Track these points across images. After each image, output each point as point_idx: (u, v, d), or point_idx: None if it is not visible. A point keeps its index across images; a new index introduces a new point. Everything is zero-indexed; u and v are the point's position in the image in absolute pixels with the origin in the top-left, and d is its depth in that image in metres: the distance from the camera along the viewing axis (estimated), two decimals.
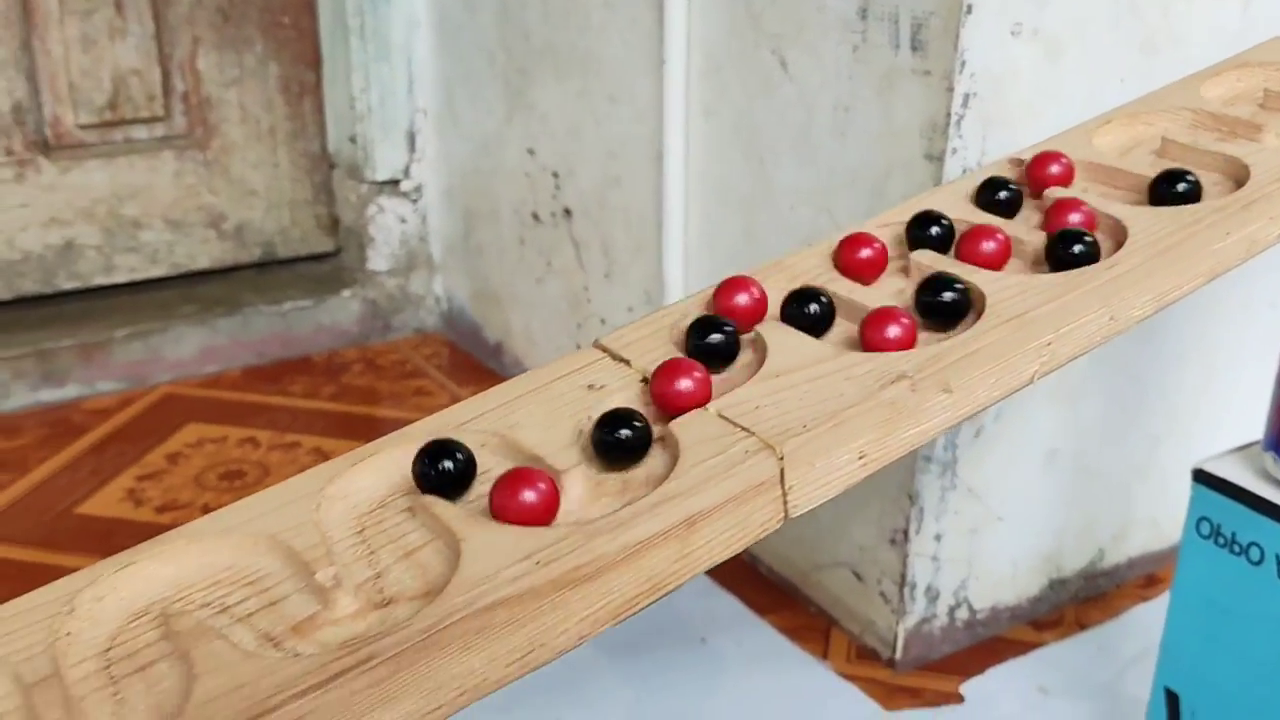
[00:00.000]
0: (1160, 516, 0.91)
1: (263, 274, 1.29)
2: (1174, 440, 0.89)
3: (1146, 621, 0.87)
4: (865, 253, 0.44)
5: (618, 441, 0.35)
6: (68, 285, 1.20)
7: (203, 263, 1.26)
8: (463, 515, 0.34)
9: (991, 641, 0.85)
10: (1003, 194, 0.47)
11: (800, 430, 0.35)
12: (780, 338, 0.40)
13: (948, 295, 0.40)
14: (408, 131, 1.24)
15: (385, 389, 1.19)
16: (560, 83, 1.03)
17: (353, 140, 1.24)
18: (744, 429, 0.36)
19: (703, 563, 0.34)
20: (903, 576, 0.80)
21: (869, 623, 0.83)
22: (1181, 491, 0.91)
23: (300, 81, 1.25)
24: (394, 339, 1.30)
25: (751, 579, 0.91)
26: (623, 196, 0.98)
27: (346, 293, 1.27)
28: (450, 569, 0.32)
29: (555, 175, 1.06)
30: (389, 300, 1.29)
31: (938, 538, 0.80)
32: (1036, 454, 0.82)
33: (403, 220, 1.27)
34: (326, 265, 1.32)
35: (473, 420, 0.37)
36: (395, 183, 1.26)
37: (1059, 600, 0.88)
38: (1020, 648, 0.84)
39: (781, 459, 0.35)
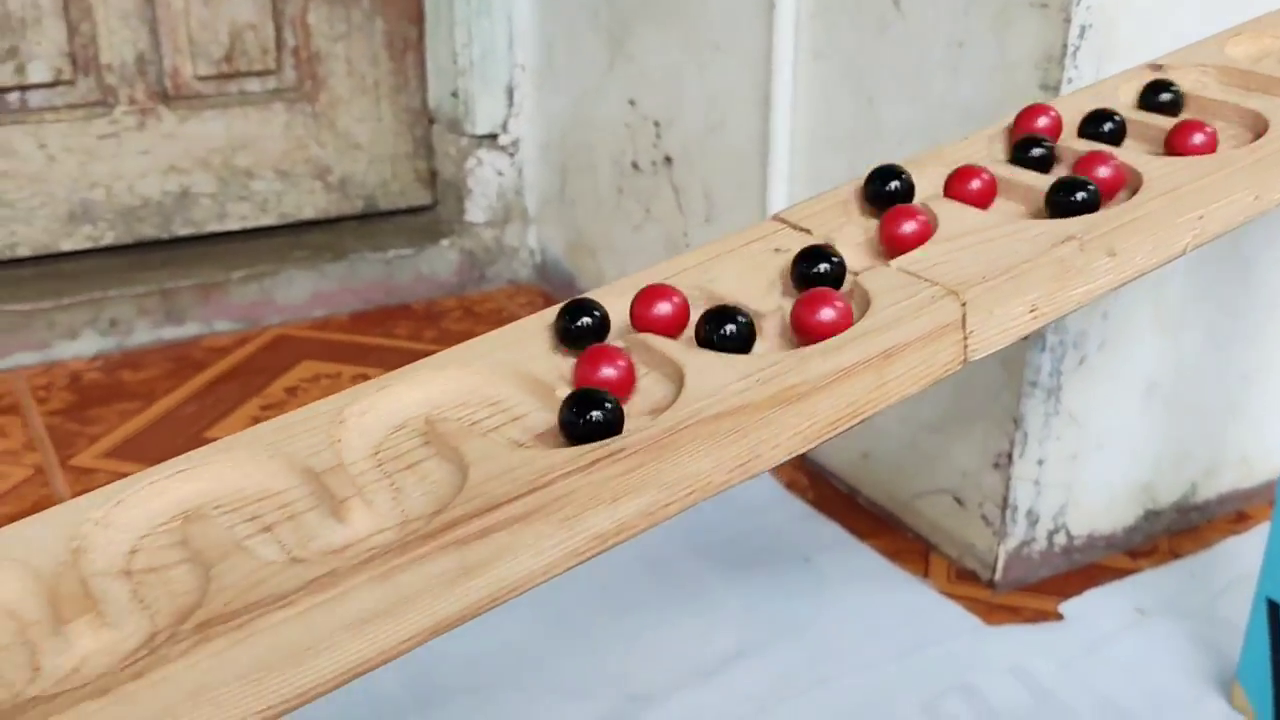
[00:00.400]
0: (1252, 455, 0.94)
1: (364, 225, 1.34)
2: (1269, 380, 0.91)
3: (1240, 552, 0.89)
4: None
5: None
6: (183, 231, 1.25)
7: (308, 213, 1.31)
8: (681, 347, 0.37)
9: (1088, 567, 0.88)
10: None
11: (979, 281, 0.39)
12: (951, 209, 0.43)
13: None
14: (507, 86, 1.28)
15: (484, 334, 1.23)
16: (663, 33, 1.07)
17: (454, 95, 1.28)
18: (927, 280, 0.39)
19: (894, 394, 0.37)
20: (1004, 499, 0.83)
21: (968, 546, 0.87)
22: (1275, 430, 0.94)
23: (404, 37, 1.29)
24: (489, 289, 1.34)
25: (851, 509, 0.95)
26: (726, 141, 1.02)
27: (445, 242, 1.31)
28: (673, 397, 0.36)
29: (656, 124, 1.10)
30: (485, 251, 1.33)
31: (1040, 462, 0.82)
32: (1137, 385, 0.85)
33: (500, 173, 1.31)
34: (424, 218, 1.37)
35: (674, 276, 0.41)
36: (494, 137, 1.30)
37: (1153, 530, 0.91)
38: (1116, 573, 0.87)
39: (964, 304, 0.38)
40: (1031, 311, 0.39)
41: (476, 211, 1.32)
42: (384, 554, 0.30)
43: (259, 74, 1.24)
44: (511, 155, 1.31)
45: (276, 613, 0.29)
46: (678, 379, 0.36)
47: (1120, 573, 0.87)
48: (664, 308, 0.38)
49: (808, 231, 0.43)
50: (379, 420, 0.36)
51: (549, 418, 0.36)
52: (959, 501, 0.87)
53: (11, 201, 1.16)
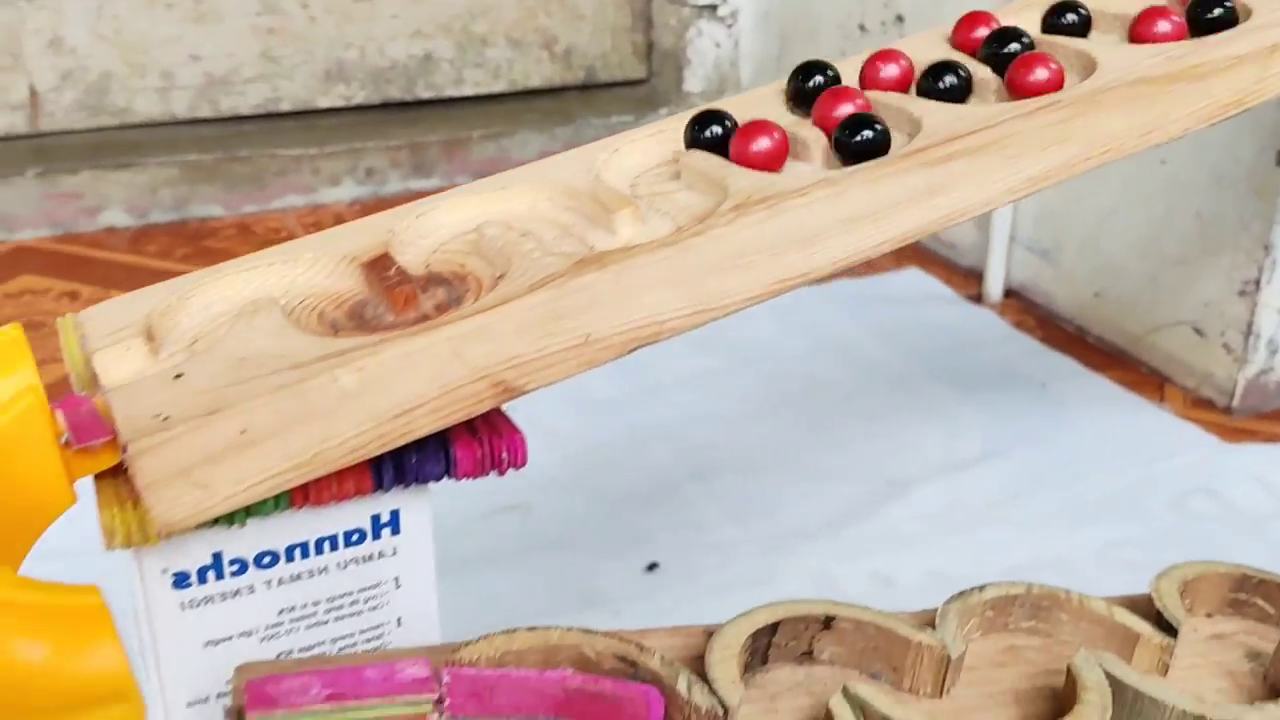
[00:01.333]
0: None
1: (584, 95, 1.41)
2: None
3: None
4: None
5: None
6: (425, 94, 1.33)
7: (535, 81, 1.38)
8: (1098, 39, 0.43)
9: None
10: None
11: None
12: None
13: None
14: None
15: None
16: None
17: None
18: None
19: (1271, 90, 0.42)
20: (1249, 326, 0.86)
21: (1207, 376, 0.90)
22: None
23: None
24: None
25: (1081, 346, 0.98)
26: None
27: (663, 111, 1.37)
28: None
29: None
30: None
31: None
32: None
33: (717, 45, 1.37)
34: (640, 90, 1.43)
35: None
36: (713, 8, 1.35)
37: None
38: None
39: None
40: None
41: (694, 82, 1.38)
42: (875, 166, 0.36)
43: None
44: (729, 26, 1.36)
45: (794, 200, 0.36)
46: (1090, 64, 0.41)
47: None
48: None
49: None
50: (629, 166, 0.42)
51: None
52: (1198, 332, 0.90)
53: (277, 58, 1.26)
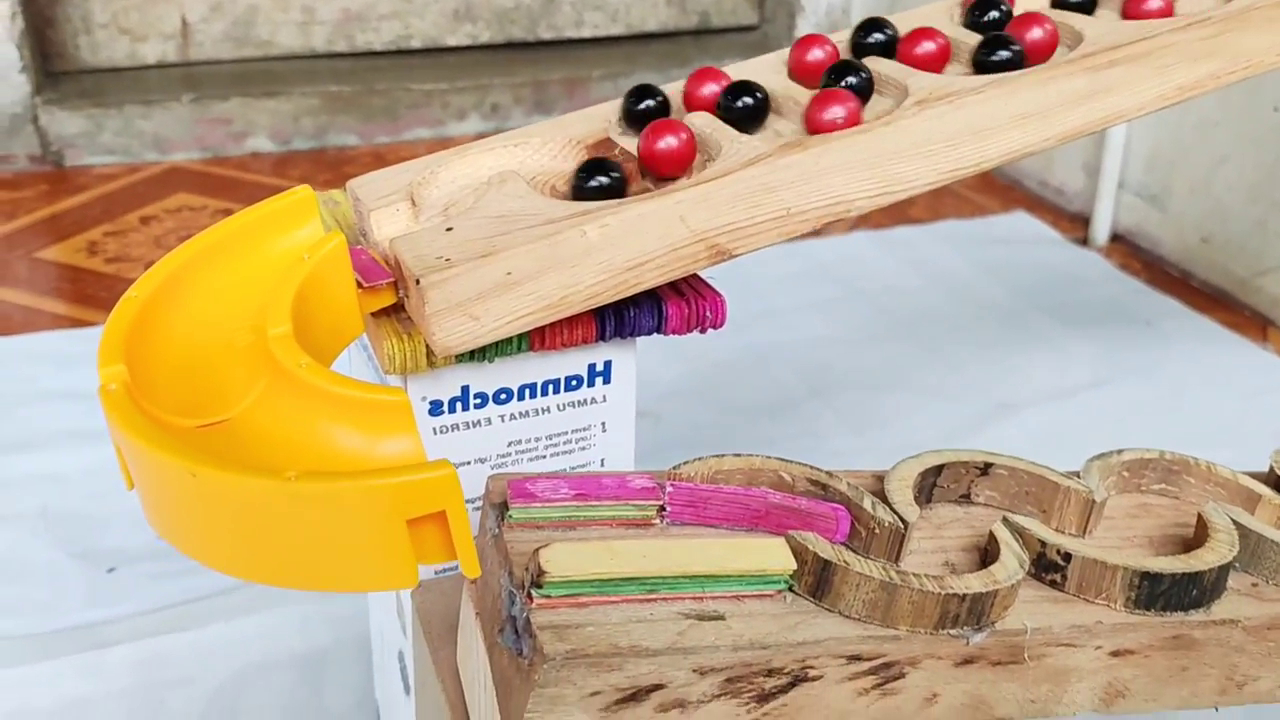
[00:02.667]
0: None
1: (698, 40, 1.45)
2: None
3: None
4: None
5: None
6: (546, 35, 1.38)
7: (651, 25, 1.43)
8: None
9: None
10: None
11: None
12: None
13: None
14: None
15: None
16: None
17: None
18: None
19: None
20: None
21: None
22: None
23: None
24: None
25: (1186, 288, 1.02)
26: None
27: None
28: None
29: None
30: None
31: None
32: None
33: None
34: (752, 35, 1.47)
35: None
36: None
37: None
38: None
39: None
40: None
41: (805, 27, 1.41)
42: (1044, 69, 0.41)
43: None
44: None
45: (971, 96, 0.40)
46: None
47: None
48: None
49: None
50: None
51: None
52: None
53: None
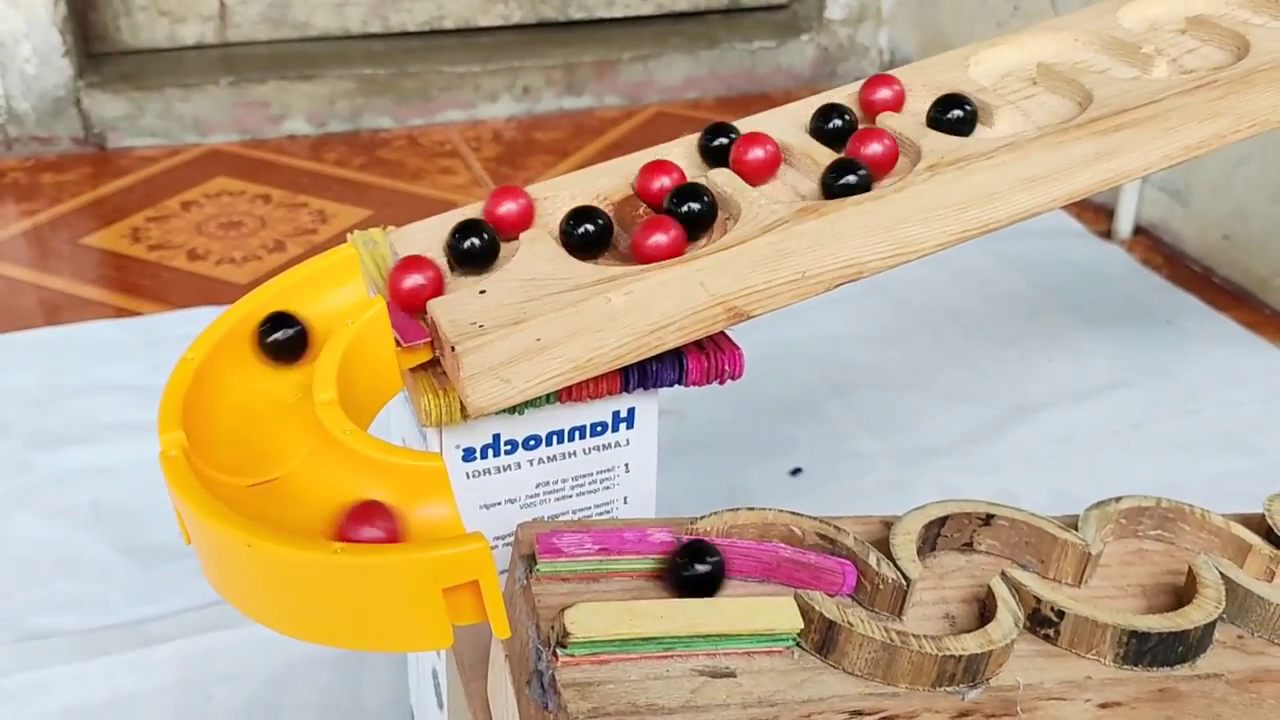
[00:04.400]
0: None
1: (728, 19, 1.46)
2: None
3: None
4: None
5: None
6: (577, 15, 1.39)
7: (681, 5, 1.43)
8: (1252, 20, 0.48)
9: None
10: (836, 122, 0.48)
11: None
12: None
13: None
14: None
15: None
16: None
17: None
18: None
19: None
20: None
21: None
22: None
23: None
24: (839, 85, 1.44)
25: (1206, 285, 1.03)
26: None
27: (804, 37, 1.41)
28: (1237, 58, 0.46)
29: None
30: (839, 48, 1.43)
31: None
32: None
33: None
34: (781, 15, 1.47)
35: None
36: None
37: None
38: None
39: None
40: None
41: (835, 9, 1.42)
42: (1055, 133, 0.43)
43: None
44: None
45: (982, 162, 0.42)
46: (1243, 46, 0.47)
47: None
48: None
49: None
50: (991, 68, 0.48)
51: (1131, 70, 0.47)
52: None
53: None
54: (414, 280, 0.40)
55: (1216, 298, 1.01)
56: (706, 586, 0.37)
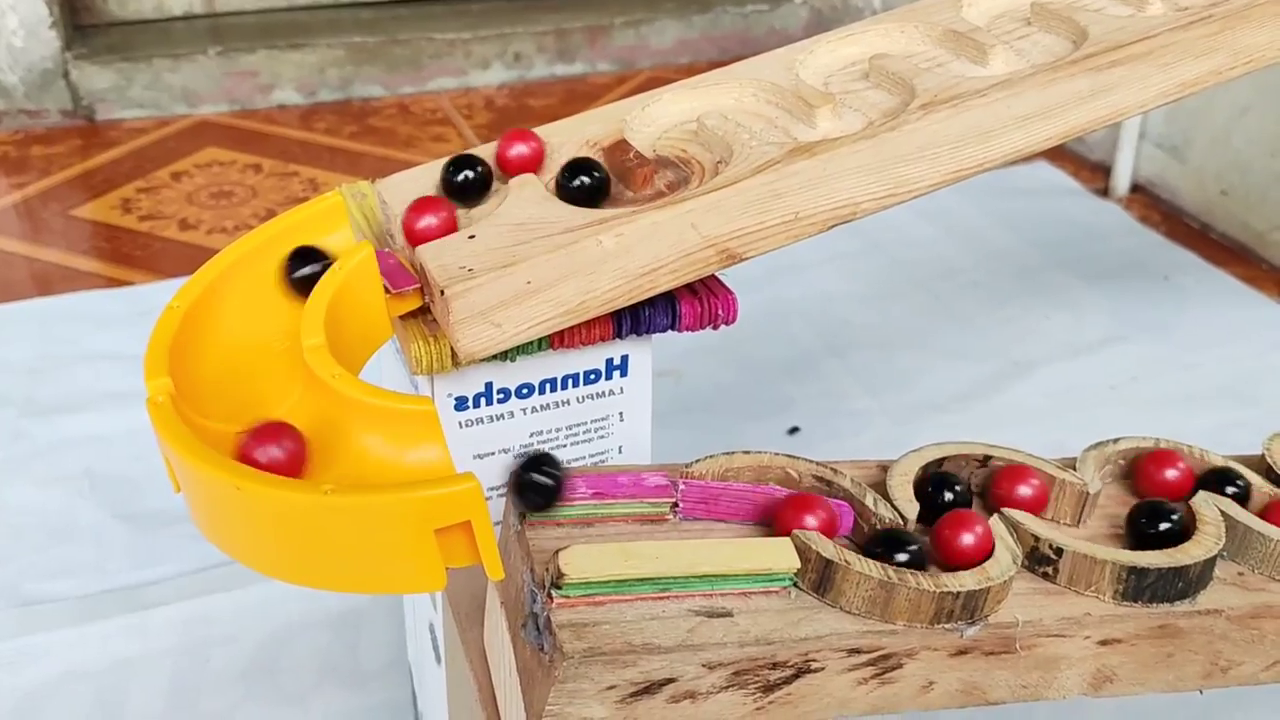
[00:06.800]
0: None
1: None
2: None
3: None
4: None
5: None
6: None
7: None
8: None
9: None
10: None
11: None
12: None
13: None
14: None
15: None
16: None
17: None
18: None
19: None
20: None
21: None
22: None
23: None
24: None
25: (1204, 241, 1.02)
26: None
27: (797, 0, 1.40)
28: None
29: None
30: (832, 9, 1.42)
31: None
32: None
33: None
34: None
35: None
36: None
37: None
38: None
39: None
40: None
41: None
42: (1049, 70, 0.42)
43: None
44: None
45: (975, 100, 0.41)
46: None
47: None
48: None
49: None
50: (826, 62, 0.48)
51: (1124, 7, 0.47)
52: None
53: None
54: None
55: (1214, 253, 1.00)
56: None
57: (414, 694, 0.58)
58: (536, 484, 0.35)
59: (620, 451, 0.46)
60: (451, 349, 0.39)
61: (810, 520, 0.36)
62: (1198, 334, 0.89)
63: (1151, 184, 1.09)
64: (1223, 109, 1.00)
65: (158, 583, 0.65)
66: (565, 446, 0.45)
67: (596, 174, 0.42)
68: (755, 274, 1.01)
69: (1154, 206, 1.07)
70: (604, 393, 0.44)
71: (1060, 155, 1.17)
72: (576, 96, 1.29)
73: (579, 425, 0.44)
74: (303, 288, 0.39)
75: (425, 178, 0.43)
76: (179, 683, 0.60)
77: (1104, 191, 1.10)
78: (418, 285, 0.39)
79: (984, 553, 0.37)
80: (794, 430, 0.80)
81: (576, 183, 0.42)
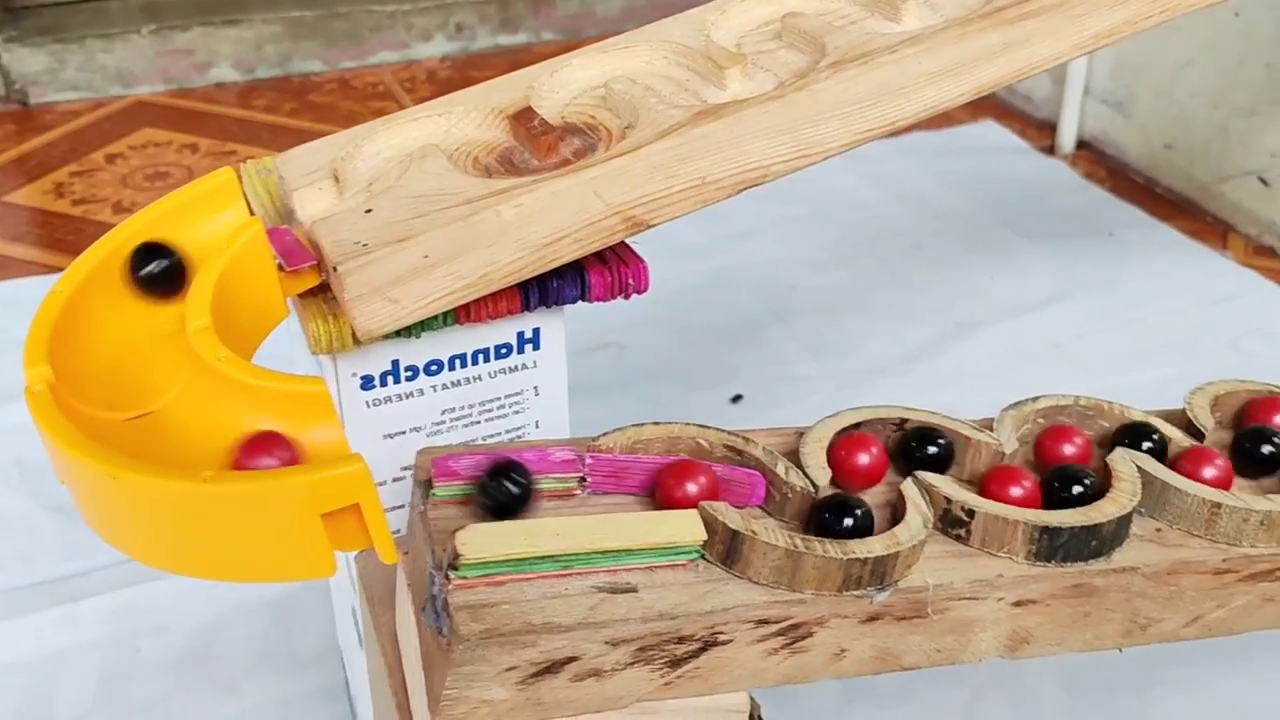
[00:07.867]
0: None
1: None
2: None
3: None
4: None
5: None
6: None
7: None
8: None
9: None
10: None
11: None
12: None
13: None
14: None
15: None
16: None
17: None
18: None
19: None
20: None
21: (1269, 224, 0.93)
22: None
23: None
24: None
25: (1149, 196, 1.02)
26: None
27: None
28: None
29: None
30: None
31: None
32: None
33: None
34: None
35: None
36: None
37: None
38: None
39: None
40: None
41: None
42: (959, 25, 0.41)
43: None
44: None
45: (885, 57, 0.41)
46: None
47: None
48: None
49: None
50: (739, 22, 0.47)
51: None
52: (1264, 182, 0.93)
53: None
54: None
55: (1159, 208, 1.00)
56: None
57: (346, 679, 0.57)
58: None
59: (537, 426, 0.45)
60: (351, 327, 0.38)
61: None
62: (1141, 289, 0.89)
63: (1097, 140, 1.09)
64: (1166, 63, 1.00)
65: (87, 573, 0.64)
66: (479, 423, 0.44)
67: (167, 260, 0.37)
68: (699, 242, 1.00)
69: (1100, 163, 1.07)
70: (517, 367, 0.43)
71: (1007, 114, 1.16)
72: (520, 67, 1.27)
73: (493, 401, 0.44)
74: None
75: (324, 151, 0.42)
76: (110, 673, 0.59)
77: (1050, 149, 1.10)
78: (314, 262, 0.38)
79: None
80: (737, 398, 0.79)
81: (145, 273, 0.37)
